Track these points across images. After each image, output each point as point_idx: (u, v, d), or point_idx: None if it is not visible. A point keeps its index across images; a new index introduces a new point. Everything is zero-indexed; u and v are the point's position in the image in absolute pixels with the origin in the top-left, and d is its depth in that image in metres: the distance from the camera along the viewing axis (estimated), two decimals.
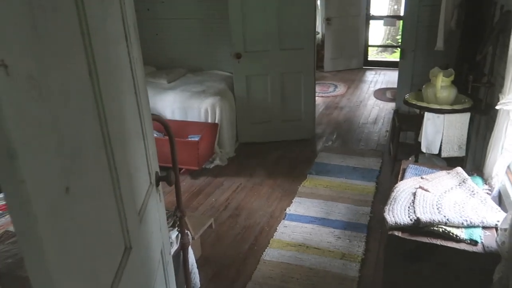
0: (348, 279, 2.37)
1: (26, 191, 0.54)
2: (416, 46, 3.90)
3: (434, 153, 2.74)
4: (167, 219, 2.01)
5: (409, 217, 1.91)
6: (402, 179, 2.35)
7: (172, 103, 4.04)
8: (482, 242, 1.76)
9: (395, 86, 4.35)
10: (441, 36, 3.36)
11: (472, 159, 2.92)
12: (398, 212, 1.96)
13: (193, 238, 2.28)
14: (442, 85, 2.75)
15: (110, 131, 0.91)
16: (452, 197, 2.06)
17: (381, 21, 8.38)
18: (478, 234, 1.79)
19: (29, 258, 0.58)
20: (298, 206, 3.13)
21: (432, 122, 2.68)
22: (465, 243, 1.78)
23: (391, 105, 5.38)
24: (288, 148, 4.24)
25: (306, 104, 4.33)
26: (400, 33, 5.01)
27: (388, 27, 10.15)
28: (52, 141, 0.63)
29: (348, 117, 5.25)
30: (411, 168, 2.42)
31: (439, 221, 1.84)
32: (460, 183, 2.20)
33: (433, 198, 2.06)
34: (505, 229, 1.56)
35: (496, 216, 1.86)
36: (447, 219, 1.84)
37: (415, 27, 3.85)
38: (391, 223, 1.90)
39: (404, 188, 2.19)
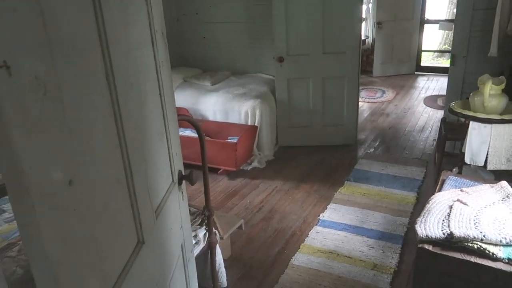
0: None
1: (25, 181, 0.59)
2: (468, 52, 3.69)
3: (479, 165, 2.59)
4: (195, 218, 2.07)
5: (442, 230, 1.82)
6: (440, 190, 2.24)
7: (214, 105, 4.13)
8: None
9: None
10: (495, 42, 3.17)
11: None
12: (430, 225, 1.87)
13: (221, 238, 2.32)
14: (491, 93, 2.59)
15: (126, 130, 0.96)
16: (492, 212, 1.94)
17: (437, 25, 8.02)
18: None
19: (29, 246, 0.63)
20: (332, 213, 3.08)
21: (477, 132, 2.53)
22: (503, 262, 1.67)
23: (442, 113, 5.13)
24: (328, 153, 4.19)
25: (348, 109, 4.25)
26: None
27: (446, 31, 9.69)
28: (57, 137, 0.68)
29: (394, 124, 5.08)
30: (451, 180, 2.31)
31: (475, 237, 1.74)
32: (503, 198, 2.06)
33: (471, 212, 1.94)
34: None
35: None
36: (484, 235, 1.73)
37: (467, 32, 3.65)
38: (421, 235, 1.82)
39: (440, 200, 2.09)
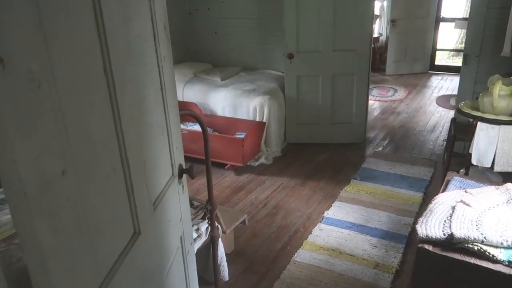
0: None
1: (18, 170, 0.62)
2: (480, 51, 3.64)
3: (486, 166, 2.56)
4: (198, 211, 2.10)
5: (442, 231, 1.81)
6: (444, 191, 2.23)
7: (223, 100, 4.15)
8: None
9: None
10: (509, 42, 3.13)
11: None
12: (431, 225, 1.87)
13: (224, 232, 2.34)
14: (500, 94, 2.55)
15: (124, 123, 0.98)
16: (496, 214, 1.92)
17: (453, 24, 7.89)
18: None
19: (22, 232, 0.66)
20: (337, 211, 3.09)
21: (485, 133, 2.50)
22: (503, 264, 1.66)
23: (453, 113, 5.06)
24: (336, 151, 4.18)
25: (358, 107, 4.23)
26: None
27: (463, 30, 9.52)
28: (50, 128, 0.70)
29: (404, 123, 5.04)
30: (456, 181, 2.29)
31: (475, 239, 1.73)
32: (508, 201, 2.04)
33: (474, 214, 1.93)
34: None
35: None
36: (484, 237, 1.72)
37: (481, 31, 3.60)
38: (421, 235, 1.81)
39: (443, 200, 2.08)
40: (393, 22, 7.18)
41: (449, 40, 9.57)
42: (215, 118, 4.14)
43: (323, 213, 3.07)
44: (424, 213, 2.00)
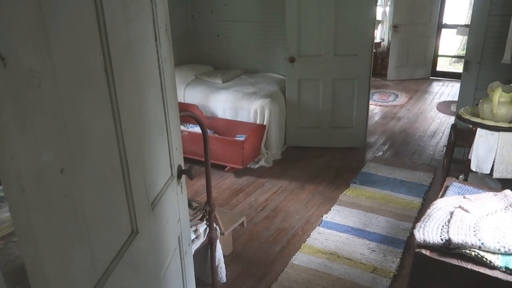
0: None
1: (16, 166, 0.62)
2: (481, 58, 3.65)
3: (485, 172, 2.56)
4: (197, 212, 2.10)
5: (440, 236, 1.82)
6: (442, 196, 2.23)
7: (224, 103, 4.16)
8: None
9: None
10: (509, 49, 3.14)
11: None
12: (429, 230, 1.87)
13: (222, 234, 2.35)
14: (500, 101, 2.56)
15: (123, 123, 0.99)
16: (494, 220, 1.92)
17: (455, 30, 7.90)
18: None
19: (19, 229, 0.67)
20: (335, 214, 3.09)
21: (484, 139, 2.51)
22: (500, 270, 1.66)
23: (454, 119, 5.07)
24: (336, 155, 4.18)
25: (358, 112, 4.24)
26: None
27: (465, 36, 9.54)
28: (50, 126, 0.71)
29: (405, 129, 5.04)
30: (455, 186, 2.29)
31: (472, 244, 1.73)
32: (506, 207, 2.05)
33: (472, 219, 1.93)
34: None
35: None
36: (482, 243, 1.72)
37: (482, 38, 3.61)
38: (419, 240, 1.81)
39: (441, 206, 2.08)
40: (395, 27, 7.20)
41: (450, 46, 9.59)
42: (216, 120, 4.15)
43: (322, 216, 3.07)
44: (422, 218, 2.01)
